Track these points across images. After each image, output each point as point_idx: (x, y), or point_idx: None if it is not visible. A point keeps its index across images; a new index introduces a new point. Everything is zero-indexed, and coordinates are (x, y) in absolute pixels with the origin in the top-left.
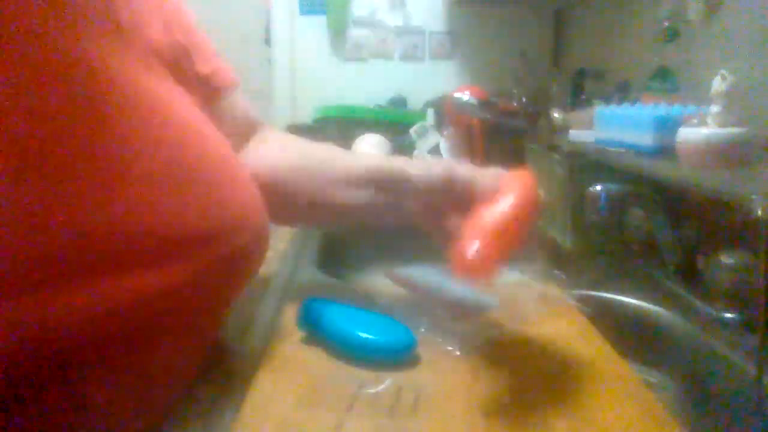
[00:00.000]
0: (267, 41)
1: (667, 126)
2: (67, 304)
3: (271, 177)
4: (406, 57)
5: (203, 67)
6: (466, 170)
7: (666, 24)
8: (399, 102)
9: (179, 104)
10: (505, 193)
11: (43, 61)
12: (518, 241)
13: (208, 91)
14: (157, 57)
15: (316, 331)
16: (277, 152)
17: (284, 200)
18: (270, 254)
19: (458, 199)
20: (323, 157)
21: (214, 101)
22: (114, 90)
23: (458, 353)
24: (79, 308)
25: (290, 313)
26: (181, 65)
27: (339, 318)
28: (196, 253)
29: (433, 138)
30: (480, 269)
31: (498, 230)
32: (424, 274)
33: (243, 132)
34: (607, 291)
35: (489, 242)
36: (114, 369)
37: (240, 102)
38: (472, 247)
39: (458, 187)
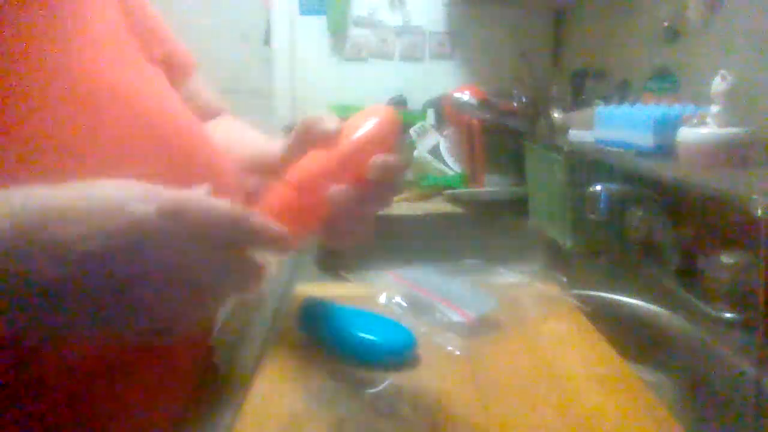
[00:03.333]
0: (267, 41)
1: (667, 126)
2: None
3: None
4: (406, 57)
5: (160, 48)
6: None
7: (666, 24)
8: (399, 102)
9: (158, 90)
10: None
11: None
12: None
13: (168, 71)
14: (133, 41)
15: (315, 332)
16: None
17: None
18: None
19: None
20: (235, 141)
21: (176, 82)
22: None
23: (458, 353)
24: None
25: (290, 314)
26: (146, 47)
27: (339, 318)
28: None
29: (433, 138)
30: None
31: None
32: (425, 275)
33: (204, 118)
34: (607, 291)
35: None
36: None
37: (203, 89)
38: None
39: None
